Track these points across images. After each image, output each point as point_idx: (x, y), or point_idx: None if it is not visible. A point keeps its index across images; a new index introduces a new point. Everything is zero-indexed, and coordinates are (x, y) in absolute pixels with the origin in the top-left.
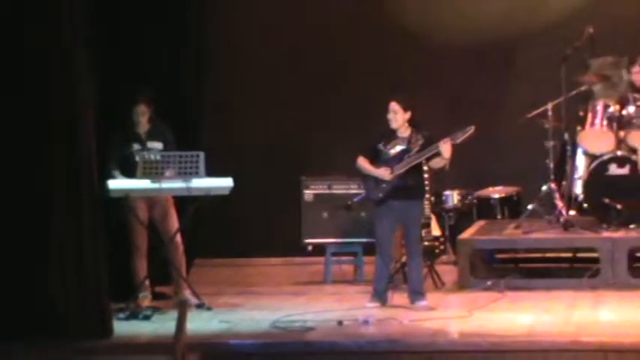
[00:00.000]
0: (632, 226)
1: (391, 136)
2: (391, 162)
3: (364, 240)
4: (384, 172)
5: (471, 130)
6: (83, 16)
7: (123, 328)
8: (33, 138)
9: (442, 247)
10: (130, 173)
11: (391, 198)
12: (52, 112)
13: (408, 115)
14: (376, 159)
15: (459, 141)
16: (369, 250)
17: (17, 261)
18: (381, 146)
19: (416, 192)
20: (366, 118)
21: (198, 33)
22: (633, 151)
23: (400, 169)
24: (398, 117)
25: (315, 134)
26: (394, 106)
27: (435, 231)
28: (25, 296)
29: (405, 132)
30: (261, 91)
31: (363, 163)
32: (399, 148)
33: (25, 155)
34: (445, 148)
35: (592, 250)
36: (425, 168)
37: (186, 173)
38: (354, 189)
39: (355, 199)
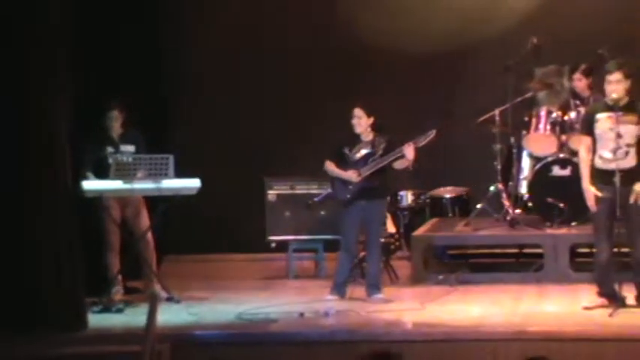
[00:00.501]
0: (573, 223)
1: (355, 140)
2: (357, 165)
3: (324, 237)
4: (352, 175)
5: (432, 134)
6: (62, 15)
7: (97, 320)
8: (11, 140)
9: (397, 243)
10: (103, 175)
11: (358, 198)
12: (29, 116)
13: (371, 120)
14: (342, 162)
15: (421, 144)
16: (328, 246)
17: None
18: (346, 150)
19: (380, 192)
20: (326, 123)
21: (169, 35)
22: (574, 153)
23: (367, 171)
24: (362, 122)
25: (279, 137)
26: (358, 111)
27: (391, 228)
28: (5, 292)
29: (368, 136)
30: (230, 96)
31: (330, 166)
32: (363, 151)
33: (4, 158)
34: (409, 151)
35: (537, 246)
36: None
37: (156, 174)
38: (314, 189)
39: (315, 199)
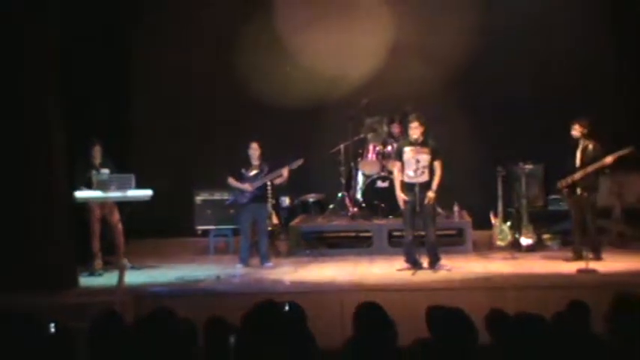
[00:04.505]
0: (390, 217)
1: (249, 164)
2: (250, 180)
3: (233, 227)
4: (247, 187)
5: (301, 161)
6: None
7: (85, 281)
8: (27, 165)
9: (279, 230)
10: (89, 188)
11: (250, 202)
12: (36, 149)
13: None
14: (240, 178)
15: (293, 168)
16: (236, 232)
17: (19, 244)
18: (243, 170)
19: (264, 198)
20: (228, 153)
21: (131, 92)
22: (391, 173)
23: (257, 184)
24: (257, 153)
25: (204, 162)
26: (257, 146)
27: (275, 221)
28: (25, 265)
29: (257, 161)
30: (172, 136)
31: (232, 181)
32: (254, 172)
33: (21, 175)
34: (285, 172)
35: (367, 231)
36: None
37: (123, 187)
38: (226, 196)
39: (227, 202)
